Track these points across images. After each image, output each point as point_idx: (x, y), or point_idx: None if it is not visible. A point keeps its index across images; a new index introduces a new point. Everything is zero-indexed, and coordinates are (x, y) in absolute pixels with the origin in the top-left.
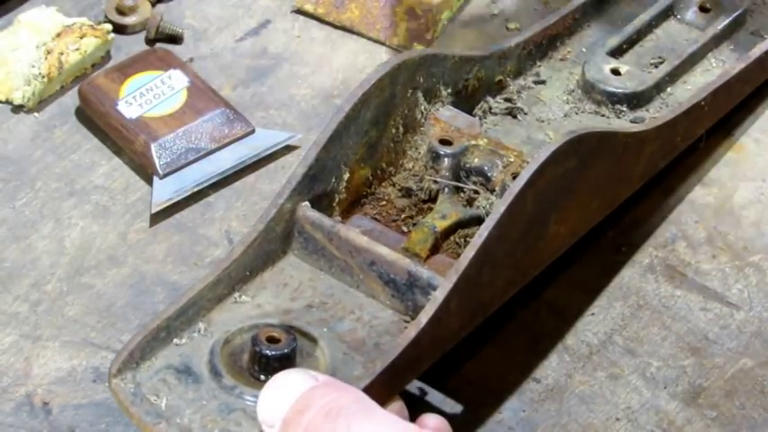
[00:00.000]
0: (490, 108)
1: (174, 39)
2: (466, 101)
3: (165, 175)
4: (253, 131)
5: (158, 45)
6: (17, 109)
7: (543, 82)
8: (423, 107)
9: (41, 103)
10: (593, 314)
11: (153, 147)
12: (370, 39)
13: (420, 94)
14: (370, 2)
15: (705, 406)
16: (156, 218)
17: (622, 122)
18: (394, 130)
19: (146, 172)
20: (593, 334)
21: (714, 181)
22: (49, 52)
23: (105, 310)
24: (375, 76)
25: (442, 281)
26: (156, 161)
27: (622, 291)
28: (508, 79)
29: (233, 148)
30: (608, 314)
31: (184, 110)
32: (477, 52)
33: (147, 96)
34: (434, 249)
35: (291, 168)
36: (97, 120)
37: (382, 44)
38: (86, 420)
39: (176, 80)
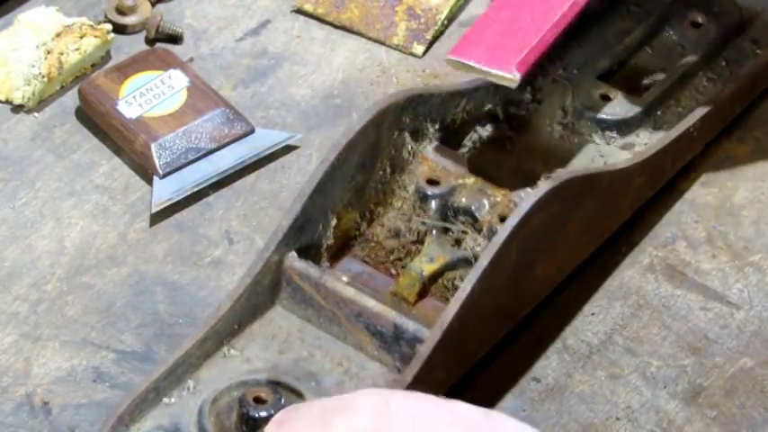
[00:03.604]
0: (480, 138)
1: (174, 39)
2: (455, 134)
3: (165, 175)
4: (253, 131)
5: (158, 45)
6: (17, 109)
7: (534, 107)
8: (410, 147)
9: (41, 103)
10: (593, 314)
11: (153, 147)
12: (369, 38)
13: (407, 135)
14: (370, 2)
15: (705, 405)
16: (156, 218)
17: (612, 149)
18: (381, 172)
19: (146, 172)
20: (594, 334)
21: (714, 181)
22: (49, 52)
23: (105, 310)
24: (360, 123)
25: (427, 335)
26: (156, 161)
27: (622, 290)
28: (497, 108)
29: (233, 147)
30: (608, 314)
31: (184, 110)
32: (464, 86)
33: (147, 96)
34: (422, 293)
35: (291, 168)
36: (97, 120)
37: (382, 44)
38: (86, 420)
39: (176, 80)
